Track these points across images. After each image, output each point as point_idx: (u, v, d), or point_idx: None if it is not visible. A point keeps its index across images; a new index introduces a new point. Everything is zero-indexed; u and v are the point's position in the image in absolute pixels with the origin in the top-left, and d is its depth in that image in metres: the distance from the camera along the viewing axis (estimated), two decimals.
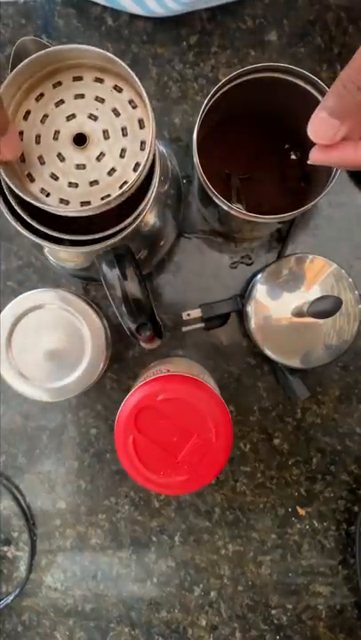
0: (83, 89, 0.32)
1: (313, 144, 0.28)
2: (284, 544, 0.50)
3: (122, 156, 0.31)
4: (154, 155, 0.32)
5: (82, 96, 0.32)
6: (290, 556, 0.50)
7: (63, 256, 0.38)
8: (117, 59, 0.30)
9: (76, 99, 0.31)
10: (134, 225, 0.32)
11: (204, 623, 0.50)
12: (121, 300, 0.34)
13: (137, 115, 0.32)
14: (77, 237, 0.32)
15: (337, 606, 0.49)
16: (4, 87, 0.30)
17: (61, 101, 0.32)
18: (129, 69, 0.30)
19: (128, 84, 0.32)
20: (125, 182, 0.31)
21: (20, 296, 0.43)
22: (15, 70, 0.30)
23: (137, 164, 0.32)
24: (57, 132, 0.31)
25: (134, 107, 0.32)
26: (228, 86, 0.37)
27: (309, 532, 0.50)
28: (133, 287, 0.34)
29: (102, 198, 0.31)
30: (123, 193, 0.30)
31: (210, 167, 0.37)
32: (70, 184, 0.31)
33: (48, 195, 0.31)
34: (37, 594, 0.50)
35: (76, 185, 0.31)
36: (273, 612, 0.49)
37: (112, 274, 0.33)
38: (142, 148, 0.32)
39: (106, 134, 0.31)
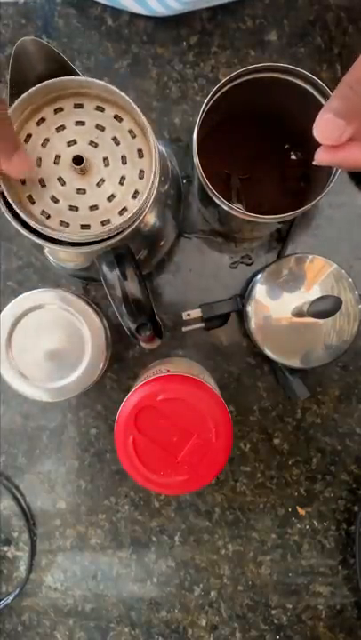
0: (84, 116, 0.32)
1: (318, 145, 0.28)
2: (284, 544, 0.50)
3: (121, 183, 0.32)
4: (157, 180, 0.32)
5: (82, 123, 0.32)
6: (290, 556, 0.50)
7: (63, 256, 0.38)
8: (119, 91, 0.31)
9: (77, 125, 0.32)
10: (134, 225, 0.32)
11: (204, 623, 0.50)
12: (121, 300, 0.34)
13: (136, 144, 0.33)
14: (77, 241, 0.32)
15: (337, 606, 0.49)
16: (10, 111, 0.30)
17: (62, 127, 0.32)
18: (132, 102, 0.31)
19: (128, 114, 0.32)
20: (125, 208, 0.32)
21: (20, 296, 0.43)
22: (21, 98, 0.30)
23: (136, 192, 0.32)
24: (58, 157, 0.32)
25: (134, 136, 0.33)
26: (228, 86, 0.37)
27: (309, 532, 0.50)
28: (133, 287, 0.34)
29: (102, 223, 0.32)
30: (127, 221, 0.31)
31: (210, 167, 0.37)
32: (71, 207, 0.32)
33: (48, 217, 0.32)
34: (37, 594, 0.50)
35: (77, 208, 0.32)
36: (273, 612, 0.50)
37: (112, 274, 0.33)
38: (141, 177, 0.33)
39: (106, 162, 0.32)
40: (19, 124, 0.32)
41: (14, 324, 0.43)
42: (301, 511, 0.50)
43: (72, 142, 0.32)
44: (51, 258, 0.40)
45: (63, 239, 0.31)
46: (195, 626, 0.50)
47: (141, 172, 0.33)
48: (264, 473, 0.50)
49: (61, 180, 0.32)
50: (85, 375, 0.43)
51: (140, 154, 0.33)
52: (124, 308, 0.34)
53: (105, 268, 0.33)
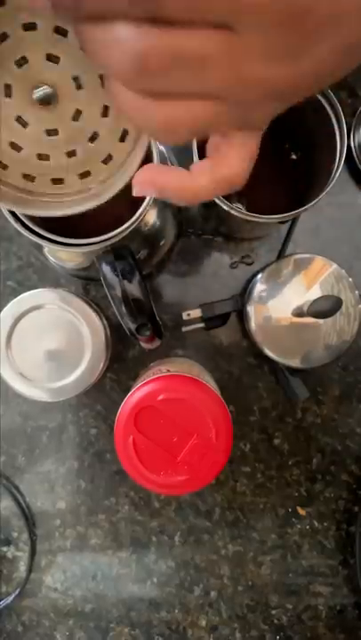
0: (38, 18, 0.20)
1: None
2: (284, 544, 0.50)
3: (105, 114, 0.23)
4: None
5: (33, 26, 0.20)
6: (290, 556, 0.50)
7: (63, 256, 0.38)
8: None
9: (26, 30, 0.20)
10: (134, 225, 0.32)
11: (204, 623, 0.50)
12: (121, 300, 0.34)
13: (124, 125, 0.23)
14: (77, 241, 0.32)
15: (337, 606, 0.49)
16: None
17: (4, 35, 0.20)
18: None
19: None
20: (110, 156, 0.24)
21: (20, 296, 0.43)
22: None
23: (124, 132, 0.23)
24: (8, 87, 0.21)
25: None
26: None
27: (309, 532, 0.50)
28: (133, 287, 0.34)
29: (81, 175, 0.24)
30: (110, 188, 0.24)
31: None
32: (40, 156, 0.23)
33: (5, 167, 0.23)
34: (37, 594, 0.50)
35: (47, 157, 0.23)
36: (273, 612, 0.49)
37: (112, 274, 0.33)
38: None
39: (77, 82, 0.22)
40: None
41: (14, 324, 0.43)
42: (301, 511, 0.50)
43: (22, 60, 0.21)
44: (51, 258, 0.40)
45: (45, 241, 0.27)
46: (195, 626, 0.50)
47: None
48: (264, 473, 0.50)
49: (21, 120, 0.22)
50: (85, 375, 0.43)
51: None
52: (124, 308, 0.34)
53: (105, 268, 0.33)
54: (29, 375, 0.43)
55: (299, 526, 0.50)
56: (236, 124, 0.19)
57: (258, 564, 0.50)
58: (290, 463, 0.50)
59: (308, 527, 0.50)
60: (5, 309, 0.43)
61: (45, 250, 0.37)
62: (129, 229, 0.32)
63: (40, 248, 0.35)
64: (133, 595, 0.50)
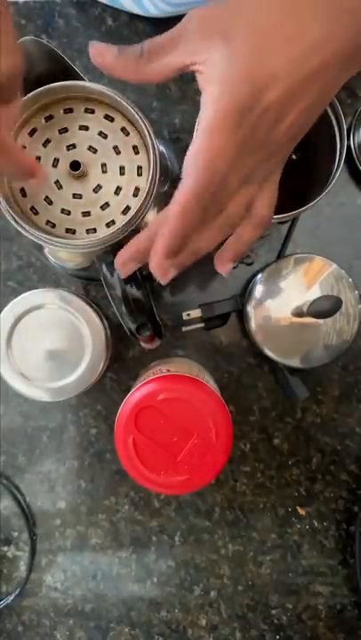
0: (90, 122, 0.32)
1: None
2: (284, 544, 0.50)
3: (117, 193, 0.32)
4: (148, 200, 0.32)
5: (86, 128, 0.32)
6: (290, 556, 0.50)
7: (63, 256, 0.38)
8: (138, 114, 0.31)
9: (80, 130, 0.32)
10: (134, 225, 0.32)
11: (204, 623, 0.50)
12: (121, 300, 0.34)
13: (137, 161, 0.32)
14: (77, 241, 0.32)
15: (337, 606, 0.49)
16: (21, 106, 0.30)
17: (65, 129, 0.32)
18: (146, 127, 0.31)
19: (137, 130, 0.32)
20: (113, 222, 0.32)
21: (20, 296, 0.43)
22: (32, 94, 0.30)
23: (127, 208, 0.32)
24: (56, 160, 0.32)
25: (137, 153, 0.32)
26: None
27: (309, 532, 0.50)
28: (133, 287, 0.34)
29: (87, 231, 0.32)
30: (115, 232, 0.31)
31: None
32: (63, 210, 0.32)
33: (37, 213, 0.32)
34: (37, 594, 0.50)
35: (69, 212, 0.32)
36: (273, 611, 0.50)
37: (112, 274, 0.33)
38: (135, 194, 0.33)
39: (104, 168, 0.32)
40: (26, 117, 0.32)
41: (14, 324, 0.43)
42: (301, 511, 0.50)
43: (71, 147, 0.32)
44: (51, 258, 0.40)
45: (45, 241, 0.31)
46: (195, 626, 0.50)
47: (137, 189, 0.33)
48: (264, 473, 0.50)
49: (58, 184, 0.32)
50: (85, 375, 0.43)
51: (139, 171, 0.33)
52: (124, 308, 0.34)
53: (105, 269, 0.33)
54: (29, 375, 0.43)
55: (299, 526, 0.50)
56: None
57: (258, 564, 0.50)
58: (290, 463, 0.50)
59: (307, 527, 0.50)
60: (5, 309, 0.43)
61: (45, 250, 0.37)
62: (129, 229, 0.32)
63: (40, 248, 0.35)
64: (133, 594, 0.50)
